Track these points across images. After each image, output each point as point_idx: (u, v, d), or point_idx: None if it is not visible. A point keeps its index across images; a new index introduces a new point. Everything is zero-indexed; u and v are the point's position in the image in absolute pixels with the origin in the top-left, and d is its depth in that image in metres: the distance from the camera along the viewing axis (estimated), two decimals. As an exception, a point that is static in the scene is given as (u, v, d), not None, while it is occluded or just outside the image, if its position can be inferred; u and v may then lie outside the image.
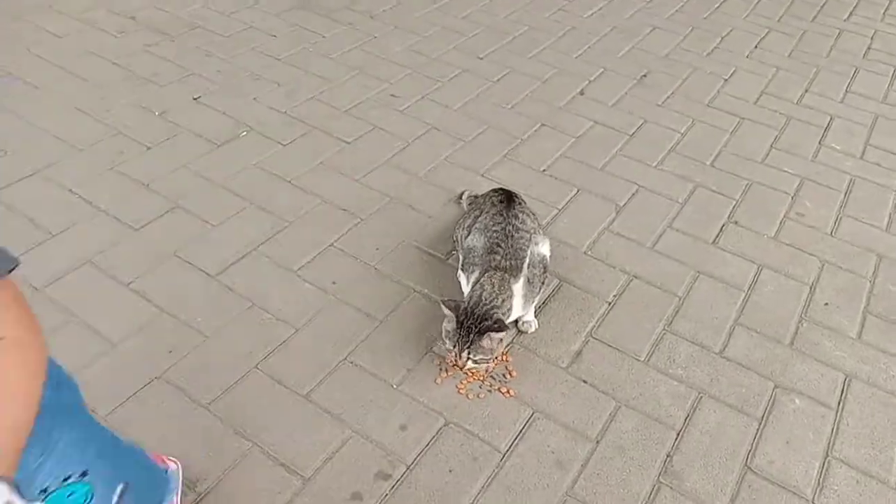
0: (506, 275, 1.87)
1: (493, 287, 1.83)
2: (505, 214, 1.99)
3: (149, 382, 1.81)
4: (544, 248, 2.00)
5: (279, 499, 1.59)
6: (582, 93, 3.17)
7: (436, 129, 2.84)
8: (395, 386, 1.86)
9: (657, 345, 2.04)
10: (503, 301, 1.83)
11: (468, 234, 2.03)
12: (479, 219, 2.03)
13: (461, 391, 1.86)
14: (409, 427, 1.76)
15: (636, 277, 2.25)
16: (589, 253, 2.33)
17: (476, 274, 1.91)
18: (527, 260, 1.91)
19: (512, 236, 1.94)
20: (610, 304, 2.16)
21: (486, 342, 1.78)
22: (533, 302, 1.98)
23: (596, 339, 2.04)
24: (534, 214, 2.11)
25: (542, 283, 1.98)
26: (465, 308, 1.79)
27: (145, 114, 2.77)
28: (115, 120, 2.71)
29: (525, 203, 2.11)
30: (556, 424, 1.80)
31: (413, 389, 1.85)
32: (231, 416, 1.75)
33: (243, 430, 1.72)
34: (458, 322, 1.78)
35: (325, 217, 2.36)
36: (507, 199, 2.05)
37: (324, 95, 2.97)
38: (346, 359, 1.91)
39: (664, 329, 2.09)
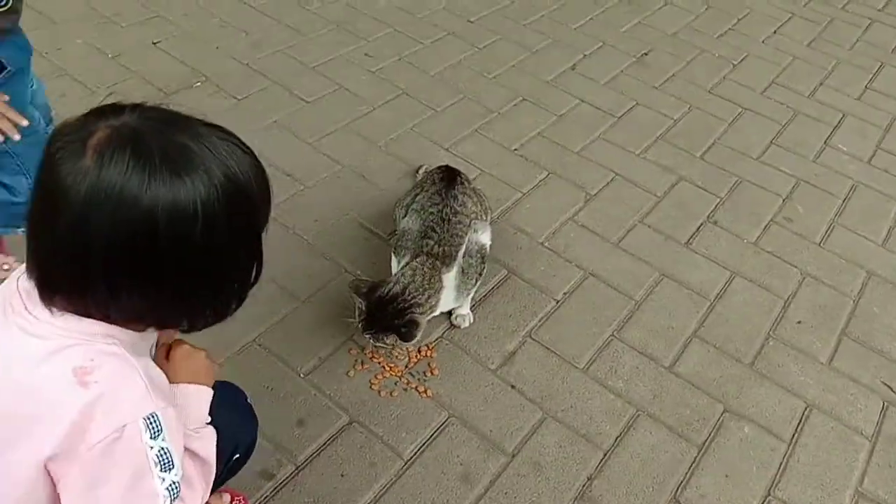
0: (437, 262, 1.69)
1: (423, 278, 1.65)
2: (444, 195, 1.81)
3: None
4: (484, 237, 1.81)
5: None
6: (573, 67, 2.94)
7: (406, 95, 2.64)
8: (301, 375, 1.70)
9: (601, 352, 1.86)
10: (428, 297, 1.65)
11: (405, 215, 1.85)
12: (418, 198, 1.85)
13: (374, 387, 1.70)
14: (308, 423, 1.61)
15: (593, 275, 2.06)
16: (546, 244, 2.14)
17: (406, 258, 1.73)
18: (463, 248, 1.73)
19: (449, 220, 1.76)
20: (558, 302, 1.97)
21: (389, 339, 1.64)
22: (468, 294, 1.80)
23: (534, 340, 1.86)
24: (480, 197, 1.92)
25: (480, 274, 1.80)
26: (380, 296, 1.62)
27: (98, 55, 2.60)
28: (64, 60, 2.55)
29: (470, 184, 1.92)
30: (471, 432, 1.64)
31: (321, 381, 1.70)
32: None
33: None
34: (368, 309, 1.62)
35: (268, 181, 2.19)
36: (449, 178, 1.86)
37: (292, 49, 2.78)
38: (254, 340, 1.76)
39: (612, 335, 1.91)
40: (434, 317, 1.74)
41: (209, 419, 1.00)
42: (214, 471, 0.97)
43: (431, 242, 1.72)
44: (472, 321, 1.88)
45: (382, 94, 2.62)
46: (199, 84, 2.53)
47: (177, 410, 0.87)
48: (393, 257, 1.83)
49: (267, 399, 1.64)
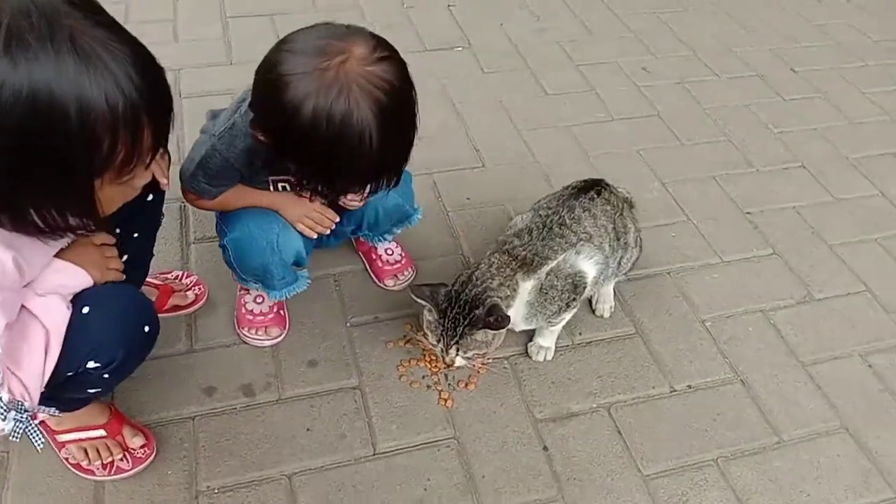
0: (514, 263, 1.44)
1: (497, 270, 1.43)
2: (563, 202, 1.53)
3: None
4: (588, 266, 1.48)
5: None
6: (898, 153, 2.26)
7: (658, 118, 2.32)
8: (348, 324, 1.61)
9: (683, 472, 1.40)
10: (500, 284, 1.41)
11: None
12: (544, 198, 1.60)
13: (401, 367, 1.53)
14: (319, 366, 1.52)
15: (743, 383, 1.57)
16: (707, 324, 1.69)
17: (490, 251, 1.51)
18: (551, 264, 1.45)
19: (550, 229, 1.48)
20: (673, 391, 1.54)
21: (480, 335, 1.40)
22: (549, 324, 1.51)
23: (611, 416, 1.49)
24: (617, 225, 1.57)
25: (567, 305, 1.48)
26: (449, 291, 1.42)
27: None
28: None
29: (611, 205, 1.57)
30: (461, 465, 1.38)
31: (360, 337, 1.58)
32: None
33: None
34: (440, 312, 1.42)
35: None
36: (585, 188, 1.56)
37: (572, 44, 2.64)
38: (331, 275, 1.72)
39: (713, 462, 1.42)
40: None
41: (69, 302, 1.04)
42: (49, 340, 1.00)
43: (518, 243, 1.47)
44: (551, 357, 1.57)
45: (631, 109, 2.34)
46: (459, 49, 2.56)
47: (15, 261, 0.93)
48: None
49: (302, 329, 1.59)
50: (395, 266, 1.69)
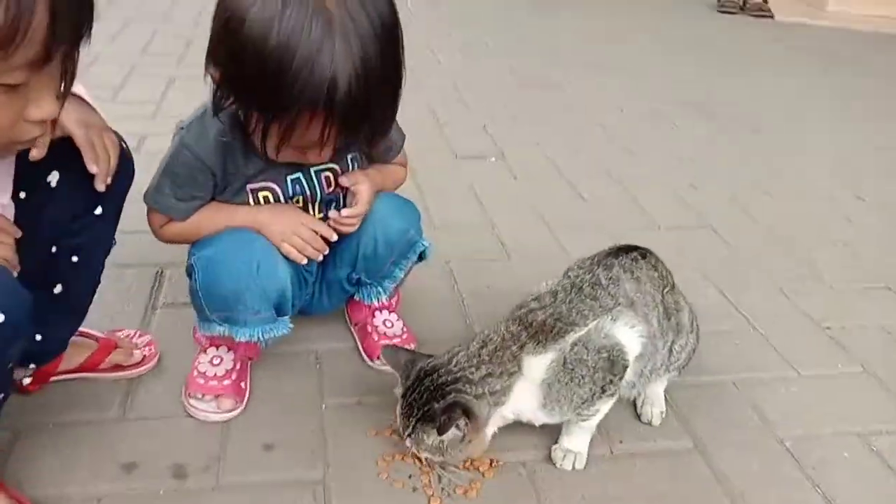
0: (525, 336, 1.12)
1: (492, 349, 1.12)
2: (599, 261, 1.24)
3: None
4: (627, 336, 1.15)
5: None
6: None
7: (709, 229, 2.06)
8: (323, 406, 1.28)
9: None
10: (486, 377, 1.09)
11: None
12: (578, 260, 1.31)
13: (381, 462, 1.17)
14: (276, 450, 1.17)
15: (841, 520, 1.15)
16: (786, 444, 1.30)
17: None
18: (578, 332, 1.12)
19: (580, 289, 1.18)
20: None
21: (431, 437, 1.09)
22: (579, 416, 1.15)
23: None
24: (671, 297, 1.26)
25: (602, 391, 1.14)
26: (420, 369, 1.12)
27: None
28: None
29: (661, 273, 1.28)
30: None
31: (335, 421, 1.24)
32: None
33: None
34: (404, 388, 1.13)
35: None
36: (626, 250, 1.28)
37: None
38: (313, 351, 1.41)
39: None
40: (507, 424, 1.15)
41: None
42: None
43: (536, 306, 1.17)
44: (581, 466, 1.20)
45: (678, 219, 2.10)
46: (491, 160, 2.41)
47: None
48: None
49: (263, 406, 1.27)
50: (394, 341, 1.38)
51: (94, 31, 0.80)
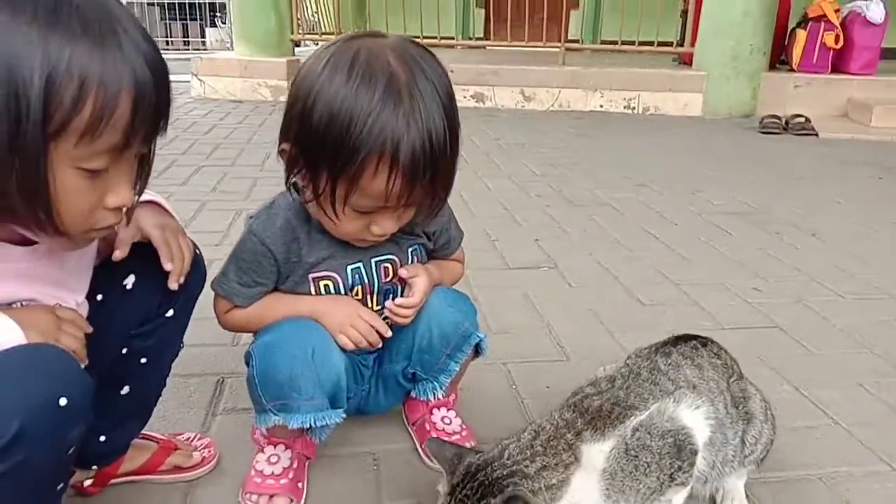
0: (582, 425, 1.08)
1: (546, 440, 1.07)
2: (657, 349, 1.21)
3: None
4: (693, 419, 1.09)
5: None
6: None
7: (778, 330, 1.98)
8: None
9: None
10: (543, 468, 1.04)
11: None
12: (636, 350, 1.28)
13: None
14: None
15: None
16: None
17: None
18: (638, 417, 1.07)
19: (639, 375, 1.14)
20: None
21: None
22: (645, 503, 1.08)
23: None
24: (738, 386, 1.20)
25: (671, 479, 1.07)
26: (470, 464, 1.07)
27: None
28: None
29: (724, 361, 1.23)
30: None
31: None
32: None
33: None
34: (450, 486, 1.06)
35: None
36: (684, 338, 1.24)
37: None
38: (370, 453, 1.38)
39: None
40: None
41: None
42: None
43: (592, 391, 1.13)
44: (654, 571, 1.10)
45: (744, 321, 2.03)
46: (544, 269, 2.43)
47: None
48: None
49: (320, 505, 1.23)
50: (452, 438, 1.34)
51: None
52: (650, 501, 1.07)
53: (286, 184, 1.15)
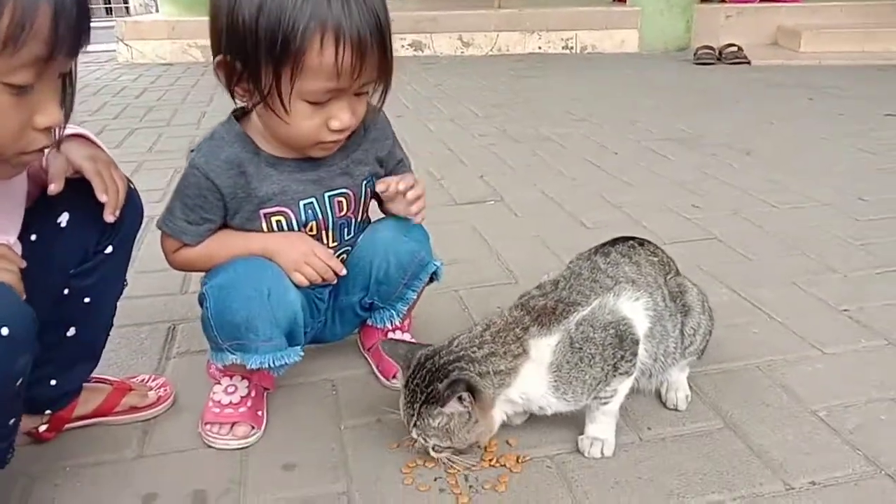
0: (528, 320, 1.12)
1: (495, 331, 1.12)
2: (596, 250, 1.25)
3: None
4: (632, 310, 1.15)
5: None
6: None
7: (719, 241, 2.06)
8: (341, 427, 1.26)
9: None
10: (490, 355, 1.09)
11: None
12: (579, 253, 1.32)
13: (406, 469, 1.14)
14: (298, 470, 1.15)
15: (890, 477, 1.09)
16: (821, 415, 1.26)
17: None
18: (582, 312, 1.12)
19: (580, 275, 1.19)
20: (788, 489, 1.08)
21: (437, 419, 1.07)
22: (600, 402, 1.14)
23: (701, 518, 1.03)
24: (674, 281, 1.26)
25: (615, 369, 1.12)
26: (420, 356, 1.11)
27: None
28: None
29: (661, 259, 1.28)
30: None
31: (357, 440, 1.22)
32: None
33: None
34: (406, 377, 1.12)
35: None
36: (622, 238, 1.29)
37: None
38: (328, 378, 1.40)
39: None
40: (517, 415, 1.13)
41: None
42: None
43: (537, 293, 1.17)
44: (610, 453, 1.16)
45: (684, 235, 2.11)
46: (490, 202, 2.46)
47: None
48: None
49: (280, 432, 1.25)
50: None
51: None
52: (596, 392, 1.13)
53: (229, 94, 1.10)
